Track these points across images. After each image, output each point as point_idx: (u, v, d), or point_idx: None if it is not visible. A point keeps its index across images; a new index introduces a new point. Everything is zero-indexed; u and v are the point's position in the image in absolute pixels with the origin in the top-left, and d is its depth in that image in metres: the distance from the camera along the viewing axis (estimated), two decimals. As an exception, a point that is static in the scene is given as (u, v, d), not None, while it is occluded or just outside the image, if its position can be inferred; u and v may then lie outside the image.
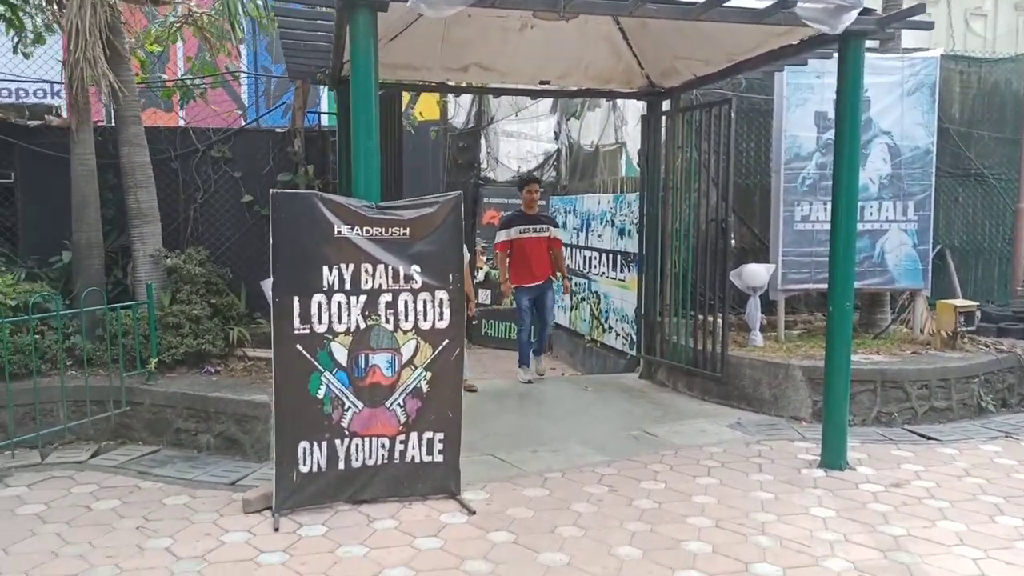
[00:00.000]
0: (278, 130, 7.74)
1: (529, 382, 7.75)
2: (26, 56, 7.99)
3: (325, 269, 4.37)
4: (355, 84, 4.51)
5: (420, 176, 11.54)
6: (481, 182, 12.47)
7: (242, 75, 10.68)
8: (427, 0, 4.35)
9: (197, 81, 8.38)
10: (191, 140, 7.38)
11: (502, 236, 7.77)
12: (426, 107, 12.37)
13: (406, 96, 12.60)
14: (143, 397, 5.72)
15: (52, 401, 5.58)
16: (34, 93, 11.37)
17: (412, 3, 4.33)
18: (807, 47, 5.56)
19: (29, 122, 7.18)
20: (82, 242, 6.41)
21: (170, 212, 7.20)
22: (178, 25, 7.87)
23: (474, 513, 4.47)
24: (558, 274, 7.99)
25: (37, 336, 5.87)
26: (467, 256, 7.58)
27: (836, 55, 5.34)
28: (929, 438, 6.04)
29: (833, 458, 5.32)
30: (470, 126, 12.59)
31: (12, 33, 7.38)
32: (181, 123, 9.63)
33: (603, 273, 9.87)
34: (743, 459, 5.49)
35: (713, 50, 6.35)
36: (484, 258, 12.45)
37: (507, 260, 7.74)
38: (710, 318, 6.94)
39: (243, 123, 9.89)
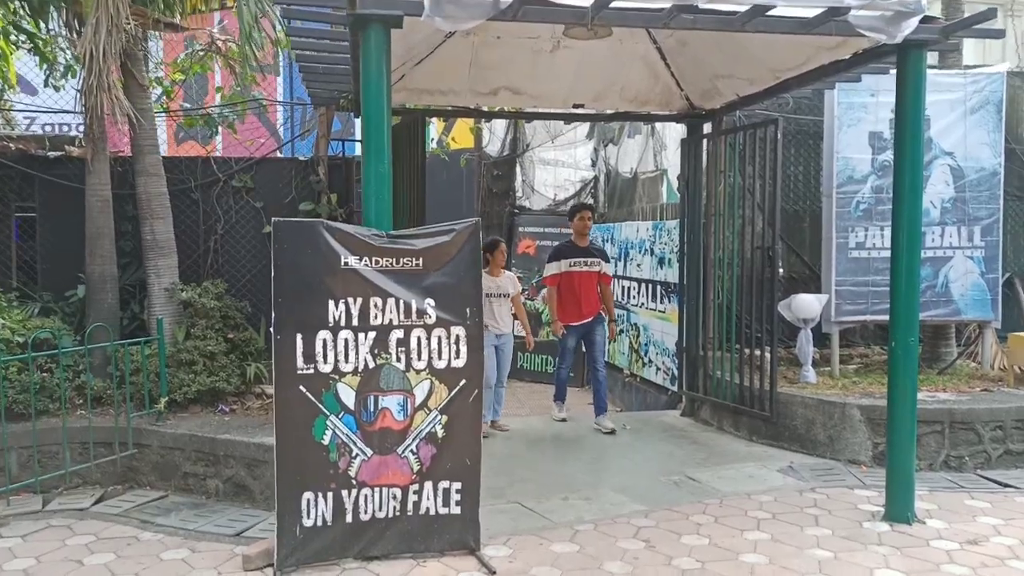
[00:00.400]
0: (301, 158, 7.50)
1: (564, 420, 7.28)
2: (56, 89, 7.95)
3: (331, 303, 4.02)
4: (366, 104, 4.19)
5: (453, 205, 11.22)
6: (516, 211, 12.10)
7: (270, 104, 10.53)
8: (443, 13, 4.04)
9: (226, 111, 8.22)
10: (212, 170, 7.17)
11: (552, 269, 7.14)
12: (460, 134, 12.10)
13: (440, 124, 12.40)
14: (151, 439, 5.42)
15: (56, 443, 5.31)
16: (77, 127, 11.41)
17: (427, 17, 4.01)
18: (861, 61, 5.11)
19: (49, 153, 7.05)
20: (96, 275, 6.20)
21: (190, 244, 7.00)
22: (202, 54, 7.73)
23: (494, 573, 4.04)
24: (604, 311, 7.26)
25: (45, 374, 5.64)
26: (519, 287, 7.21)
27: (893, 70, 4.88)
28: (1006, 485, 5.47)
29: (899, 510, 4.79)
30: (505, 154, 12.27)
31: (45, 66, 7.34)
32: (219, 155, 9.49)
33: (642, 304, 9.41)
34: (797, 510, 4.97)
35: (757, 67, 5.94)
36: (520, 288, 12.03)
37: (555, 296, 7.16)
38: (757, 352, 6.44)
39: (277, 152, 9.71)
